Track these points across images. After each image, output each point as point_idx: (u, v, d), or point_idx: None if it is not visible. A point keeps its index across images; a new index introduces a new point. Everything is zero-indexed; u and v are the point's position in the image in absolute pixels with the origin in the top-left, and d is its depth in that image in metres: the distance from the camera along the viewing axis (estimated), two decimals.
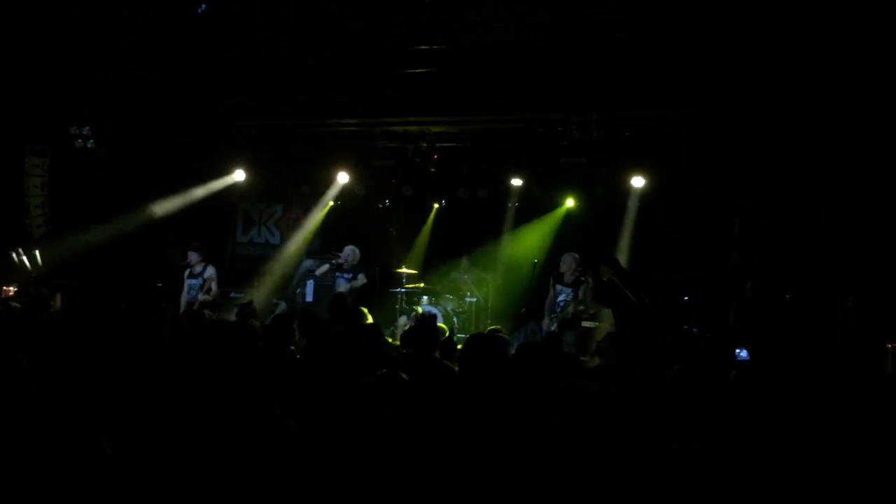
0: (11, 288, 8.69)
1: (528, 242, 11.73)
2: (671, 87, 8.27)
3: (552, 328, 9.20)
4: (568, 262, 9.60)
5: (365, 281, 10.49)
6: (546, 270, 10.31)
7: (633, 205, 10.93)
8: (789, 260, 8.95)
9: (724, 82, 8.03)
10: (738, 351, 6.19)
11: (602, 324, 8.80)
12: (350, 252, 10.55)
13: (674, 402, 4.08)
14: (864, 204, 8.39)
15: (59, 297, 8.55)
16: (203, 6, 6.60)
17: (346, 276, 10.44)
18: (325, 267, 10.80)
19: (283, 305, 11.13)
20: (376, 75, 8.77)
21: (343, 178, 11.41)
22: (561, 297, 9.51)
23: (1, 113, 9.69)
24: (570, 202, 11.58)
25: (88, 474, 2.47)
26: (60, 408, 3.78)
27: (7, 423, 3.35)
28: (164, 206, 11.53)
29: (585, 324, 8.99)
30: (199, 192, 11.71)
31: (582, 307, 9.22)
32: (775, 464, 3.29)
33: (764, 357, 6.64)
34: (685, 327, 9.05)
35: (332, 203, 12.39)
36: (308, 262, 11.41)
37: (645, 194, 10.64)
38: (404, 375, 3.94)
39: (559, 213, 11.72)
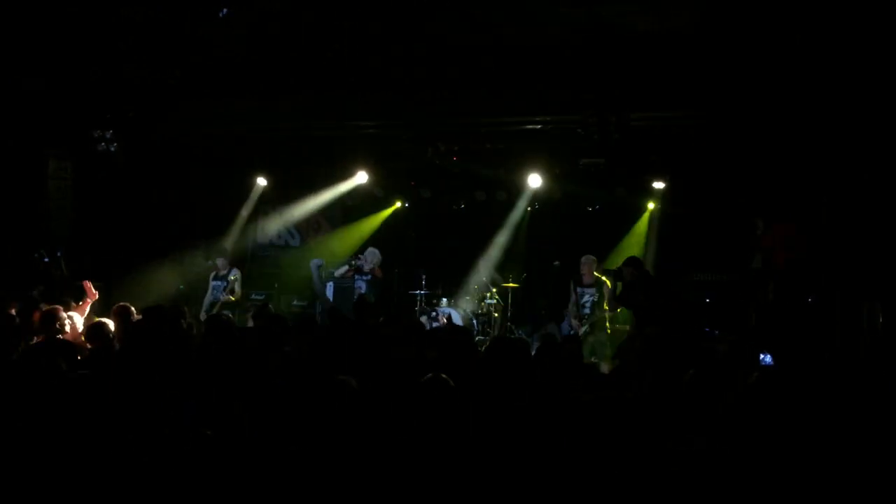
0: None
1: (546, 244, 11.70)
2: (691, 88, 8.23)
3: (582, 331, 9.20)
4: (587, 264, 9.62)
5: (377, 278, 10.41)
6: (566, 272, 10.27)
7: (653, 206, 10.90)
8: (812, 262, 8.86)
9: (745, 83, 7.98)
10: (762, 356, 6.13)
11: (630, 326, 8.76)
12: (371, 254, 10.51)
13: (690, 405, 4.06)
14: (888, 205, 8.30)
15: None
16: (225, 10, 6.67)
17: (365, 277, 10.43)
18: (344, 268, 10.78)
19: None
20: (395, 77, 8.80)
21: (361, 177, 11.43)
22: (585, 299, 9.49)
23: (24, 117, 9.81)
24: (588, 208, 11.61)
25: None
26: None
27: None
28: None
29: (616, 326, 8.99)
30: (244, 212, 12.22)
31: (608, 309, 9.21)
32: (792, 467, 3.27)
33: (785, 360, 6.58)
34: (706, 329, 8.98)
35: (347, 202, 12.46)
36: (317, 260, 11.23)
37: (666, 195, 10.59)
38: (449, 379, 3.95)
39: (578, 214, 11.71)
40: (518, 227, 11.93)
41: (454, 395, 3.84)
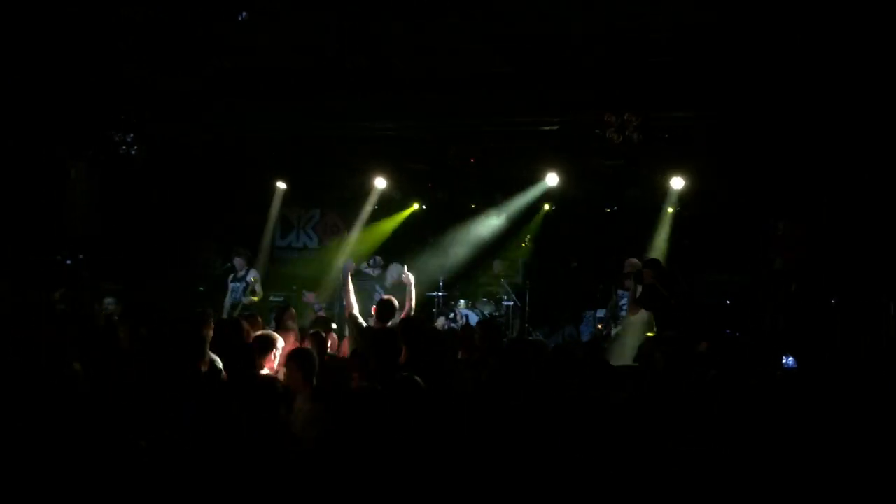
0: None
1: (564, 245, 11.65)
2: (711, 88, 8.15)
3: (614, 332, 9.16)
4: (628, 267, 9.56)
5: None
6: (584, 274, 10.22)
7: (672, 207, 10.82)
8: (834, 263, 8.75)
9: (766, 82, 7.90)
10: (784, 358, 6.06)
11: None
12: (395, 269, 10.23)
13: (708, 407, 4.02)
14: None
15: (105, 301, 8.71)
16: (244, 13, 6.70)
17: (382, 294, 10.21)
18: (362, 265, 10.72)
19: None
20: (412, 78, 8.79)
21: (380, 183, 11.46)
22: (623, 301, 9.45)
23: (45, 119, 9.91)
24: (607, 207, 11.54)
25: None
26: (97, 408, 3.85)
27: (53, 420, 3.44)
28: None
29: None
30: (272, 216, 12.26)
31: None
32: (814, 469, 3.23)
33: (808, 363, 6.50)
34: (726, 332, 8.90)
35: (371, 208, 12.48)
36: (350, 264, 11.35)
37: (684, 196, 10.51)
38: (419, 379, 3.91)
39: (595, 215, 11.66)
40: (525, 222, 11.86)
41: (423, 396, 3.79)
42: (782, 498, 3.12)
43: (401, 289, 10.24)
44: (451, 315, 10.66)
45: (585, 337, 10.24)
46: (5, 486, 2.81)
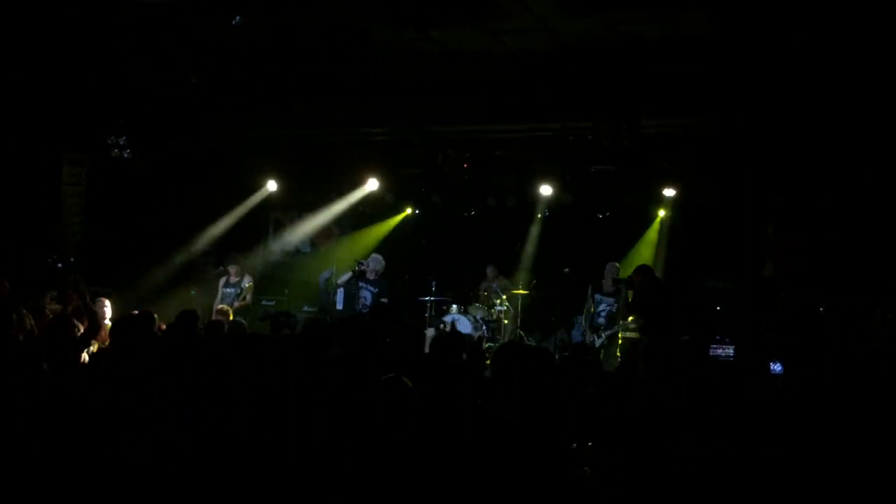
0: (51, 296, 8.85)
1: (557, 251, 11.67)
2: (702, 95, 8.21)
3: (592, 339, 9.16)
4: (610, 272, 9.57)
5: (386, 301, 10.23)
6: (575, 279, 10.24)
7: (663, 213, 10.87)
8: (824, 270, 8.80)
9: (757, 89, 7.96)
10: (772, 365, 6.11)
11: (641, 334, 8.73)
12: (374, 260, 10.39)
13: (699, 408, 4.06)
14: None
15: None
16: (238, 18, 6.74)
17: (370, 288, 10.28)
18: (348, 275, 10.74)
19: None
20: (406, 84, 8.82)
21: (372, 184, 11.46)
22: (601, 307, 9.44)
23: (39, 122, 9.91)
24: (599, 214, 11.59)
25: None
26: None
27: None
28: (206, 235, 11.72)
29: (628, 334, 8.97)
30: (239, 210, 12.02)
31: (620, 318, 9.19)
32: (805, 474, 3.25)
33: (797, 369, 6.54)
34: (717, 337, 8.94)
35: (358, 208, 12.49)
36: (324, 273, 11.41)
37: (676, 202, 10.55)
38: (408, 381, 3.89)
39: (588, 221, 11.69)
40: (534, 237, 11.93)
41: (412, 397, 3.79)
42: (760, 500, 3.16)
43: (383, 282, 10.31)
44: (441, 325, 10.62)
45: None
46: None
